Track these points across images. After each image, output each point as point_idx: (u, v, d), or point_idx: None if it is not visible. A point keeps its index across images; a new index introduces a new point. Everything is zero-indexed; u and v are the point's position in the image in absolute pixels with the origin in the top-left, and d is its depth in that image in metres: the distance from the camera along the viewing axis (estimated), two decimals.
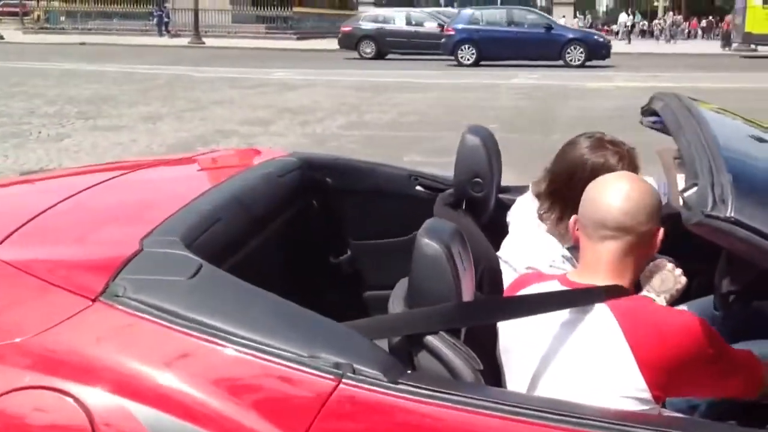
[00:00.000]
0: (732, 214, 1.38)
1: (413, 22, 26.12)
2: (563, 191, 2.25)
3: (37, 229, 1.94)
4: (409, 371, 1.55)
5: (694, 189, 1.49)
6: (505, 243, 2.37)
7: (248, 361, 1.51)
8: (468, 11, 25.44)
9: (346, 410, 1.47)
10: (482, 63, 22.79)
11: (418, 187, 2.81)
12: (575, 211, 2.22)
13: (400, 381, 1.48)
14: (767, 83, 16.89)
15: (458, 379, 1.63)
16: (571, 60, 22.88)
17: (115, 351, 1.53)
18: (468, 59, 23.13)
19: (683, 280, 2.18)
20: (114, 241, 1.90)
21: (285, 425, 1.45)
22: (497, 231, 2.46)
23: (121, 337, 1.56)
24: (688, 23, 49.50)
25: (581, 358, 1.68)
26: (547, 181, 2.33)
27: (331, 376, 1.48)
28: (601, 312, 1.67)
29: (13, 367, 1.51)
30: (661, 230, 1.75)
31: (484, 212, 2.48)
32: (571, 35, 23.94)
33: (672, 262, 2.33)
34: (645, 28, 48.41)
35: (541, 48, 22.91)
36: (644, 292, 2.17)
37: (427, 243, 1.73)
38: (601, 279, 1.73)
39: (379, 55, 25.50)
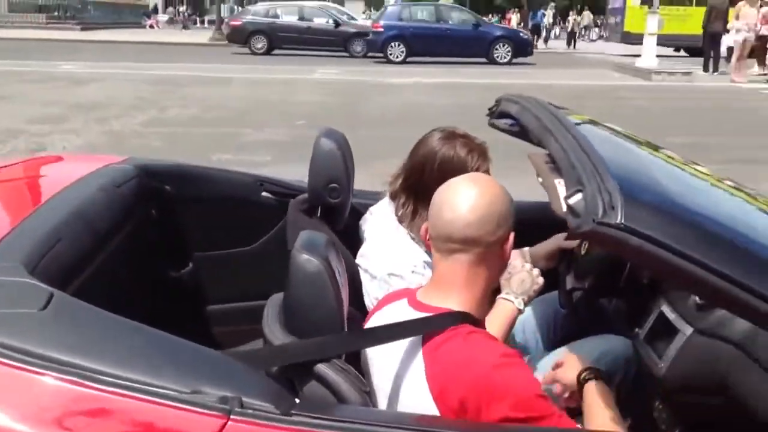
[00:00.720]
0: (622, 221, 1.38)
1: (305, 17, 25.33)
2: (416, 186, 2.26)
3: None
4: (297, 400, 1.46)
5: (580, 195, 1.48)
6: (363, 250, 2.32)
7: (122, 402, 1.35)
8: (395, 8, 24.84)
9: None
10: (409, 60, 22.54)
11: (265, 193, 2.69)
12: (420, 199, 2.20)
13: (293, 412, 1.39)
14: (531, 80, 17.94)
15: (346, 403, 1.56)
16: (498, 57, 23.01)
17: None
18: (398, 56, 22.87)
19: (540, 280, 2.23)
20: None
21: None
22: (352, 238, 2.40)
23: None
24: None
25: (401, 389, 1.64)
26: (401, 178, 2.31)
27: (218, 413, 1.35)
28: (416, 345, 1.63)
29: None
30: (512, 235, 1.70)
31: (340, 218, 2.41)
32: (498, 33, 24.10)
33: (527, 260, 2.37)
34: None
35: (470, 45, 22.93)
36: (503, 295, 2.19)
37: (307, 259, 1.64)
38: (452, 295, 1.67)
39: (271, 51, 24.71)
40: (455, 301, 1.66)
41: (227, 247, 2.68)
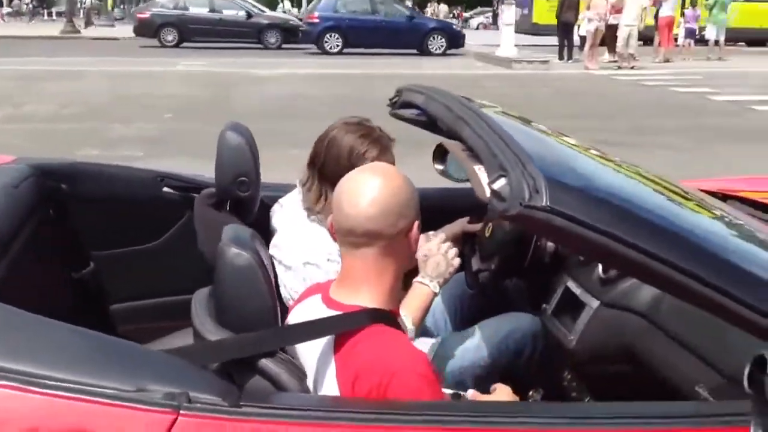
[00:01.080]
0: (548, 203, 1.43)
1: (216, 9, 24.67)
2: (316, 170, 2.30)
3: None
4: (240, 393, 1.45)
5: (504, 180, 1.52)
6: (276, 241, 2.31)
7: (66, 405, 1.31)
8: None
9: None
10: (346, 51, 22.59)
11: (166, 189, 2.63)
12: (324, 183, 2.20)
13: (242, 403, 1.39)
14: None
15: (288, 391, 1.57)
16: (433, 48, 23.33)
17: None
18: (334, 47, 22.91)
19: (456, 262, 2.27)
20: None
21: None
22: (262, 231, 2.38)
23: None
24: None
25: (316, 386, 1.65)
26: (306, 163, 2.36)
27: (167, 409, 1.34)
28: (329, 346, 1.63)
29: None
30: (417, 224, 1.68)
31: (250, 212, 2.39)
32: (432, 25, 24.59)
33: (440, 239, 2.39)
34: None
35: (405, 37, 23.20)
36: (419, 278, 2.24)
37: (237, 253, 1.63)
38: (362, 290, 1.66)
39: (181, 43, 24.14)
40: (366, 297, 1.65)
41: (129, 245, 2.62)
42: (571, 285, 2.30)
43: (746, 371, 1.63)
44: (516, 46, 20.15)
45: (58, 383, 1.32)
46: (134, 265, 2.62)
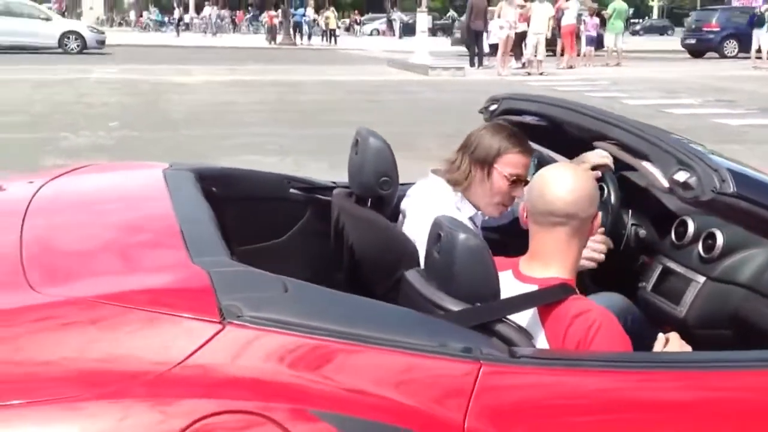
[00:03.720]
0: (735, 190, 1.80)
1: None
2: (468, 150, 2.59)
3: (52, 261, 1.77)
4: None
5: (687, 173, 1.87)
6: (415, 227, 2.56)
7: (397, 357, 1.60)
8: None
9: (497, 386, 1.64)
10: None
11: (293, 190, 2.90)
12: (474, 165, 2.55)
13: (520, 355, 1.70)
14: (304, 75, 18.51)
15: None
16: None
17: (280, 368, 1.54)
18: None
19: (594, 255, 2.57)
20: (158, 265, 1.80)
21: (452, 408, 1.58)
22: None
23: (275, 353, 1.56)
24: (233, 16, 51.60)
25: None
26: (458, 148, 2.65)
27: (471, 360, 1.63)
28: (534, 315, 1.97)
29: (185, 398, 1.47)
30: (600, 214, 2.05)
31: (389, 207, 2.67)
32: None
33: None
34: (188, 20, 49.05)
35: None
36: None
37: (468, 237, 1.90)
38: (552, 264, 2.01)
39: None
40: (556, 270, 2.01)
41: (260, 241, 2.86)
42: (672, 265, 2.68)
43: None
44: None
45: (380, 341, 1.61)
46: (263, 259, 2.86)
